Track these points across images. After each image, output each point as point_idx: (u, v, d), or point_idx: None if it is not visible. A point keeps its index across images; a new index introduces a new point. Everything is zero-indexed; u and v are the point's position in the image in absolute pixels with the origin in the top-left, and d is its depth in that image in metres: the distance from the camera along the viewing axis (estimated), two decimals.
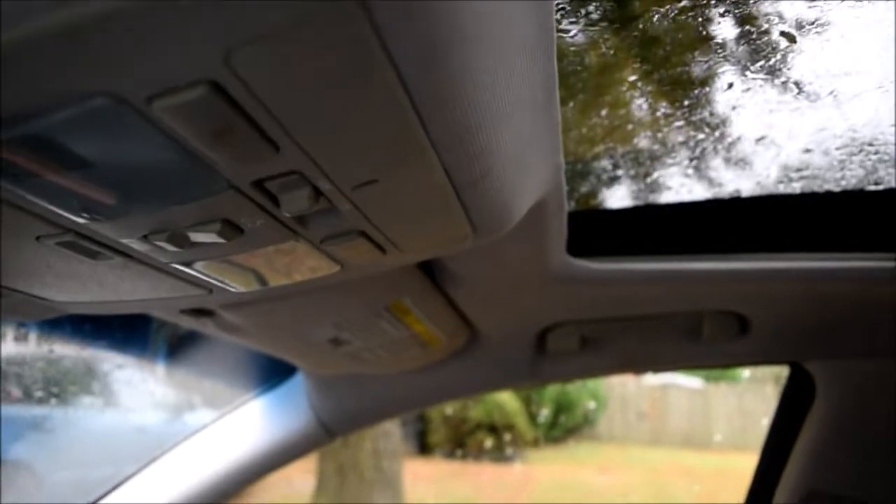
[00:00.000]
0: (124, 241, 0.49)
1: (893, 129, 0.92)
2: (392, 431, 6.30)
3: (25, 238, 0.48)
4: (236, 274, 0.60)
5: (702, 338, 1.20)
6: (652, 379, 11.27)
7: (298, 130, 0.39)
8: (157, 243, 0.49)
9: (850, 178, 1.05)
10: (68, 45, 0.30)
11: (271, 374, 1.46)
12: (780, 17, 0.78)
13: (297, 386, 1.40)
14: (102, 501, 1.36)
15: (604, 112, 0.97)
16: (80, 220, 0.45)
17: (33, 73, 0.32)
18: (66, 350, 1.88)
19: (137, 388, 2.39)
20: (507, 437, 9.26)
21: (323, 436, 1.38)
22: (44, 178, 0.39)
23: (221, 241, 0.48)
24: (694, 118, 0.96)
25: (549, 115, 0.58)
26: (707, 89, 0.91)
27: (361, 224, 0.53)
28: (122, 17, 0.28)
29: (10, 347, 1.86)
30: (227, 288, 0.63)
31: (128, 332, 1.74)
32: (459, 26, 0.36)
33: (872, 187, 1.07)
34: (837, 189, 1.09)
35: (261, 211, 0.46)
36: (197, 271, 0.58)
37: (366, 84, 0.36)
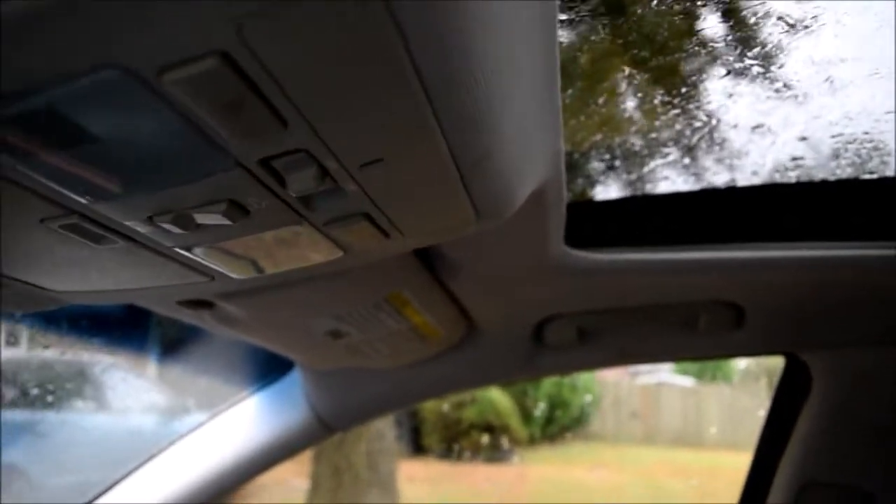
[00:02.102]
0: (129, 223, 0.49)
1: (893, 116, 0.93)
2: (386, 432, 6.30)
3: (28, 221, 0.48)
4: (239, 260, 0.60)
5: (698, 329, 1.21)
6: (644, 377, 11.30)
7: (307, 106, 0.39)
8: (162, 225, 0.49)
9: (846, 166, 1.06)
10: (78, 16, 0.30)
11: (266, 373, 1.46)
12: (776, 4, 0.79)
13: (295, 382, 1.39)
14: (100, 500, 1.36)
15: (599, 101, 0.97)
16: (85, 201, 0.45)
17: (40, 45, 0.31)
18: (60, 353, 1.88)
19: (132, 390, 2.38)
20: (501, 436, 9.27)
21: (321, 431, 1.38)
22: (49, 156, 0.39)
23: (227, 222, 0.48)
24: (689, 106, 0.96)
25: (550, 98, 0.59)
26: (702, 77, 0.91)
27: (366, 206, 0.53)
28: None
29: (3, 351, 1.85)
30: (230, 274, 0.63)
31: (123, 332, 1.74)
32: (470, 6, 0.36)
33: (868, 176, 1.08)
34: (833, 178, 1.09)
35: (267, 191, 0.46)
36: (200, 257, 0.58)
37: (376, 60, 0.36)
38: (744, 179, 1.13)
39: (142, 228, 0.50)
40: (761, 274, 1.07)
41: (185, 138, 0.39)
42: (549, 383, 10.08)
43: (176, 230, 0.49)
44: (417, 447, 9.34)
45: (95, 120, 0.37)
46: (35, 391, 1.94)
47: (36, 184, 0.43)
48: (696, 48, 0.85)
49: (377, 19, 0.33)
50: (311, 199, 0.50)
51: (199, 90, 0.35)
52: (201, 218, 0.48)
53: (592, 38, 0.84)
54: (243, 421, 1.40)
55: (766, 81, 0.90)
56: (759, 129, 1.00)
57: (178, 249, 0.56)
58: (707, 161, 1.12)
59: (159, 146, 0.40)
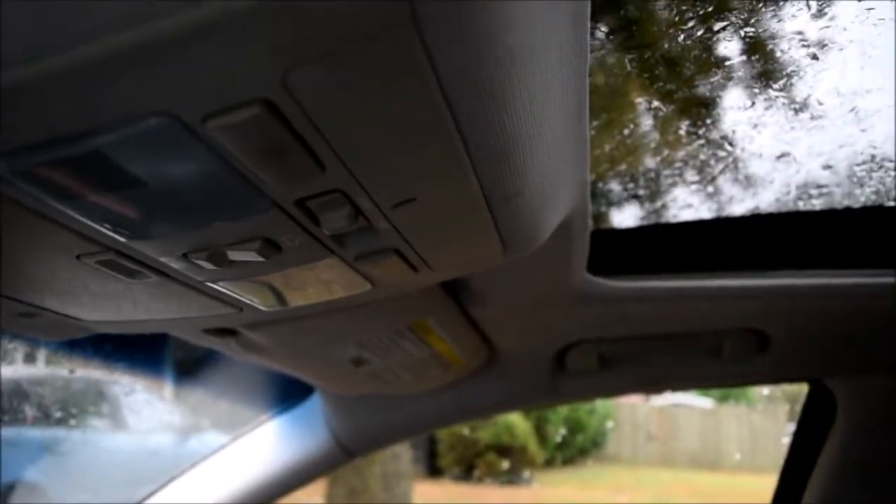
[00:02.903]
0: (163, 259, 0.50)
1: None
2: (402, 454, 6.26)
3: (65, 256, 0.49)
4: (268, 292, 0.60)
5: (722, 356, 1.20)
6: (662, 399, 11.20)
7: (345, 150, 0.39)
8: (196, 262, 0.49)
9: (870, 194, 1.05)
10: (129, 65, 0.30)
11: (286, 398, 1.46)
12: (802, 34, 0.79)
13: (315, 406, 1.39)
14: None
15: (623, 132, 0.98)
16: (123, 240, 0.46)
17: (91, 92, 0.32)
18: (80, 372, 1.89)
19: (151, 410, 2.39)
20: (517, 459, 9.20)
21: (341, 456, 1.38)
22: (92, 198, 0.40)
23: (259, 259, 0.49)
24: (713, 136, 0.96)
25: (579, 130, 0.59)
26: (727, 108, 0.92)
27: (397, 242, 0.53)
28: (186, 37, 0.29)
29: (21, 369, 1.86)
30: (258, 306, 0.63)
31: (143, 354, 1.75)
32: (506, 47, 0.37)
33: (892, 203, 1.07)
34: (857, 205, 1.09)
35: (301, 230, 0.47)
36: (229, 289, 0.58)
37: (413, 103, 0.37)
38: (768, 207, 1.13)
39: (175, 265, 0.51)
40: (785, 301, 1.06)
41: (225, 182, 0.40)
42: (566, 407, 10.01)
43: (209, 266, 0.50)
44: (433, 469, 9.29)
45: (140, 164, 0.37)
46: (53, 410, 1.95)
47: (76, 223, 0.43)
48: (721, 80, 0.86)
49: (416, 64, 0.33)
50: (343, 237, 0.51)
51: (242, 136, 0.35)
52: (234, 255, 0.49)
53: (617, 70, 0.84)
54: (263, 445, 1.40)
55: (791, 112, 0.91)
56: (784, 157, 1.00)
57: (208, 283, 0.56)
58: (731, 189, 1.12)
59: (200, 189, 0.40)
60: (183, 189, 0.40)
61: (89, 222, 0.43)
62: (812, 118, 0.91)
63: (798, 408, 1.51)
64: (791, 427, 1.52)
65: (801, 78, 0.85)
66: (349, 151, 0.39)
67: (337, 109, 0.35)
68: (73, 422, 2.02)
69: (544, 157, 0.53)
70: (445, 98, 0.37)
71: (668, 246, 1.09)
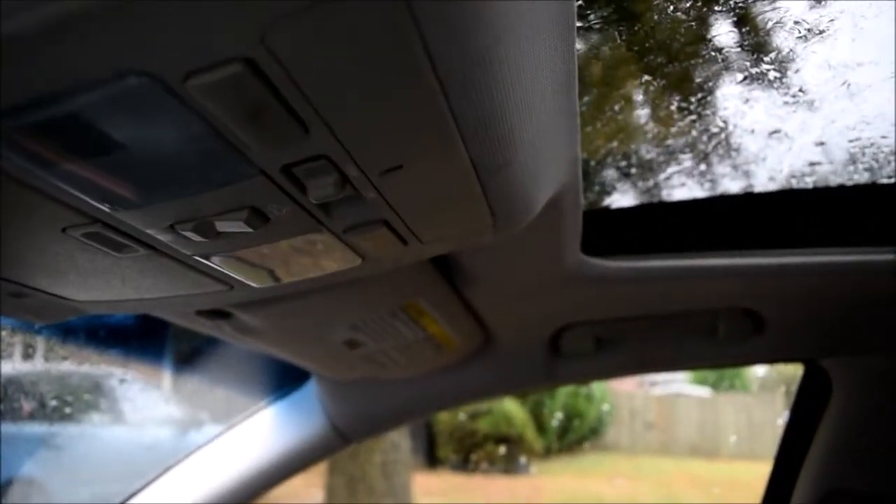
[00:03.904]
0: (150, 231, 0.49)
1: None
2: (401, 444, 6.28)
3: (51, 230, 0.49)
4: (257, 268, 0.60)
5: (717, 337, 1.20)
6: (660, 388, 11.23)
7: (328, 111, 0.39)
8: (183, 233, 0.49)
9: (863, 171, 1.05)
10: (103, 22, 0.30)
11: (282, 385, 1.46)
12: (792, 9, 0.78)
13: (311, 393, 1.39)
14: None
15: (614, 108, 0.97)
16: (108, 209, 0.45)
17: (66, 52, 0.32)
18: (76, 365, 1.89)
19: (148, 402, 2.39)
20: (516, 448, 9.23)
21: (338, 441, 1.38)
22: (73, 164, 0.40)
23: (247, 230, 0.49)
24: (705, 112, 0.96)
25: (569, 104, 0.59)
26: (718, 83, 0.91)
27: (385, 213, 0.53)
28: None
29: (19, 364, 1.86)
30: (249, 283, 0.63)
31: (139, 345, 1.75)
32: (491, 10, 0.37)
33: (886, 180, 1.07)
34: (850, 183, 1.08)
35: (287, 198, 0.46)
36: (219, 265, 0.58)
37: (398, 65, 0.37)
38: (760, 185, 1.12)
39: (163, 237, 0.50)
40: (780, 280, 1.06)
41: (209, 145, 0.39)
42: (564, 394, 10.04)
43: (197, 238, 0.49)
44: (432, 459, 9.31)
45: (120, 127, 0.37)
46: (52, 404, 1.94)
47: (59, 192, 0.43)
48: (712, 54, 0.85)
49: (399, 23, 0.33)
50: (330, 207, 0.51)
51: (223, 96, 0.35)
52: (222, 226, 0.48)
53: (607, 45, 0.83)
54: (260, 432, 1.40)
55: (783, 87, 0.90)
56: (776, 134, 0.99)
57: (197, 258, 0.56)
58: (724, 167, 1.12)
59: (183, 153, 0.40)
60: (166, 154, 0.40)
61: (73, 191, 0.43)
62: (802, 92, 0.90)
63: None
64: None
65: (792, 52, 0.84)
66: (333, 113, 0.39)
67: (318, 69, 0.35)
68: (71, 416, 2.02)
69: (533, 129, 0.53)
70: (431, 61, 0.37)
71: (662, 225, 1.09)
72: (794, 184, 1.10)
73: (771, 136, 1.00)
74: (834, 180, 1.08)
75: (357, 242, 0.57)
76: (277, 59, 0.34)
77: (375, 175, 0.46)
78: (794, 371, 1.49)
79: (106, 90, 0.34)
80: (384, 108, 0.40)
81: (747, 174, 1.11)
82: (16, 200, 0.44)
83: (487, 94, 0.43)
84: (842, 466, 1.38)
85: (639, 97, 0.97)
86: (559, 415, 9.97)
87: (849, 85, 0.88)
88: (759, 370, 10.68)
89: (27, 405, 1.87)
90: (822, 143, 1.00)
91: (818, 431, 1.41)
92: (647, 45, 0.83)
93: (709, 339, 1.22)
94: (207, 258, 0.56)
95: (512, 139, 0.50)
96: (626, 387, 11.11)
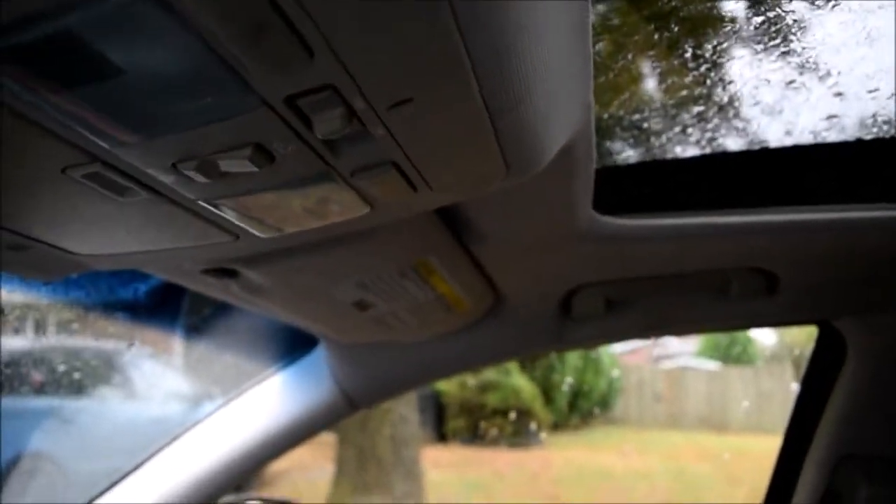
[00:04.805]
0: (152, 171, 0.48)
1: None
2: (410, 418, 6.32)
3: (51, 170, 0.47)
4: (264, 215, 0.58)
5: (730, 297, 1.18)
6: (668, 362, 11.25)
7: (335, 35, 0.37)
8: (186, 173, 0.47)
9: (882, 124, 1.02)
10: None
11: (290, 353, 1.46)
12: None
13: (319, 359, 1.39)
14: (127, 479, 1.36)
15: (627, 56, 0.94)
16: (107, 146, 0.44)
17: None
18: (86, 340, 1.89)
19: (158, 378, 2.40)
20: (525, 421, 9.28)
21: (347, 407, 1.37)
22: (68, 92, 0.38)
23: (252, 168, 0.47)
24: (722, 61, 0.93)
25: (582, 46, 0.57)
26: (735, 28, 0.88)
27: (394, 154, 0.51)
28: None
29: (30, 339, 1.86)
30: (254, 232, 0.62)
31: (149, 316, 1.74)
32: None
33: None
34: (869, 136, 1.06)
35: (293, 133, 0.45)
36: (224, 213, 0.57)
37: None
38: (776, 140, 1.10)
39: (165, 178, 0.49)
40: (794, 238, 1.04)
41: (208, 70, 0.37)
42: (572, 368, 10.07)
43: (200, 178, 0.48)
44: (441, 433, 9.38)
45: (116, 50, 0.35)
46: (62, 378, 1.95)
47: (57, 125, 0.42)
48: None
49: None
50: (337, 144, 0.49)
51: (223, 10, 0.33)
52: (226, 165, 0.47)
53: None
54: (269, 398, 1.39)
55: (801, 33, 0.87)
56: (793, 84, 0.97)
57: (202, 203, 0.55)
58: (738, 121, 1.09)
59: (181, 80, 0.38)
60: (164, 81, 0.38)
61: (71, 123, 0.41)
62: (820, 41, 0.87)
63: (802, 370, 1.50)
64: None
65: None
66: (340, 38, 0.37)
67: None
68: (80, 389, 2.03)
69: (546, 68, 0.51)
70: None
71: (675, 183, 1.07)
72: (812, 139, 1.07)
73: (788, 87, 0.97)
74: (852, 134, 1.05)
75: (365, 188, 0.56)
76: None
77: (383, 109, 0.45)
78: (802, 343, 1.48)
79: (98, 5, 0.32)
80: (393, 36, 0.38)
81: (762, 128, 1.08)
82: (15, 137, 0.43)
83: (501, 26, 0.41)
84: (857, 430, 1.37)
85: (651, 46, 0.94)
86: (569, 381, 10.00)
87: (869, 32, 0.85)
88: (768, 341, 10.68)
89: (38, 376, 1.88)
90: (840, 94, 0.97)
91: (832, 395, 1.40)
92: None
93: (721, 299, 1.20)
94: (212, 204, 0.55)
95: (525, 76, 0.48)
96: (633, 361, 11.13)
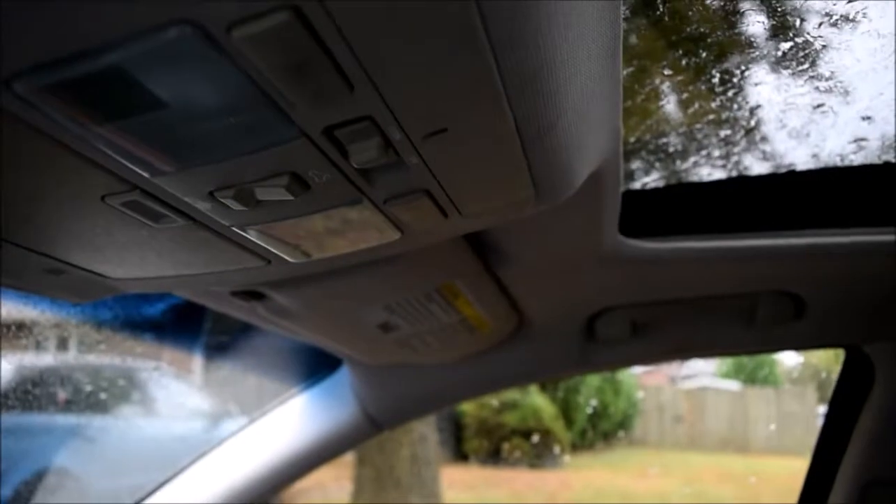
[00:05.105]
0: (189, 199, 0.48)
1: None
2: (429, 437, 6.29)
3: (90, 198, 0.48)
4: (296, 242, 0.59)
5: (756, 321, 1.17)
6: (688, 382, 11.14)
7: (375, 69, 0.38)
8: (223, 200, 0.48)
9: None
10: None
11: (313, 375, 1.46)
12: None
13: (343, 379, 1.39)
14: (151, 499, 1.37)
15: (655, 82, 0.95)
16: (147, 175, 0.45)
17: (107, 1, 0.31)
18: (109, 358, 1.90)
19: (180, 395, 2.41)
20: (544, 442, 9.20)
21: (370, 428, 1.37)
22: (111, 123, 0.39)
23: (288, 197, 0.48)
24: (746, 86, 0.93)
25: (612, 70, 0.57)
26: (763, 53, 0.88)
27: (427, 182, 0.52)
28: None
29: (53, 356, 1.88)
30: (286, 257, 0.62)
31: (171, 337, 1.76)
32: None
33: None
34: (895, 160, 1.05)
35: (329, 163, 0.45)
36: (257, 238, 0.57)
37: (446, 20, 0.35)
38: (803, 163, 1.09)
39: (201, 205, 0.50)
40: (822, 262, 1.03)
41: (251, 103, 0.38)
42: (592, 389, 10.00)
43: (236, 206, 0.48)
44: (459, 453, 9.32)
45: (160, 83, 0.36)
46: (85, 396, 1.96)
47: (98, 154, 0.42)
48: (755, 21, 0.82)
49: None
50: (371, 174, 0.49)
51: (269, 47, 0.34)
52: (262, 193, 0.48)
53: (647, 16, 0.81)
54: (292, 418, 1.40)
55: (829, 56, 0.87)
56: (821, 108, 0.96)
57: (235, 229, 0.55)
58: (765, 145, 1.09)
59: (224, 112, 0.39)
60: (207, 113, 0.39)
61: (112, 153, 0.42)
62: (848, 66, 0.87)
63: (827, 392, 1.47)
64: (822, 409, 1.50)
65: (841, 19, 0.81)
66: (380, 71, 0.38)
67: (365, 22, 0.34)
68: (105, 407, 2.05)
69: (578, 93, 0.51)
70: (482, 15, 0.36)
71: (701, 206, 1.06)
72: (839, 162, 1.07)
73: (815, 111, 0.97)
74: (880, 157, 1.05)
75: (397, 214, 0.56)
76: (326, 9, 0.32)
77: (419, 138, 0.45)
78: (826, 365, 1.46)
79: (146, 42, 0.33)
80: (431, 67, 0.39)
81: (789, 152, 1.08)
82: (56, 166, 0.44)
83: (534, 48, 0.42)
84: (885, 455, 1.35)
85: (679, 71, 0.94)
86: (592, 402, 9.92)
87: None
88: (789, 363, 10.55)
89: (63, 394, 1.89)
90: (868, 118, 0.97)
91: (860, 420, 1.38)
92: (689, 13, 0.81)
93: (747, 323, 1.19)
94: (245, 230, 0.56)
95: (557, 101, 0.49)
96: (653, 381, 11.03)
